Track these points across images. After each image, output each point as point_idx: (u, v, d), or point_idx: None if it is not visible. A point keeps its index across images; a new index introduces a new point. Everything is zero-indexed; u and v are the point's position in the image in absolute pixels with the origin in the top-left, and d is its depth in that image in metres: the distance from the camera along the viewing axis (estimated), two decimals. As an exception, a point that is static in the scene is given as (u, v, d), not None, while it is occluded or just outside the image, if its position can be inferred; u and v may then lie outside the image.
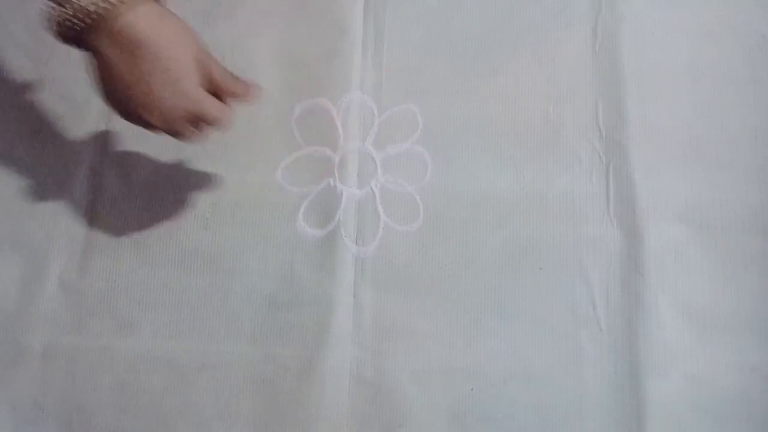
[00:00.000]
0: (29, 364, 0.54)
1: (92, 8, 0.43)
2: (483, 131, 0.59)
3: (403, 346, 0.55)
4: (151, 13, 0.44)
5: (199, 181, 0.58)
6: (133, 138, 0.59)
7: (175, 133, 0.48)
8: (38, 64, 0.60)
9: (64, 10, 0.43)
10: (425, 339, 0.55)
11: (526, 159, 0.58)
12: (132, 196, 0.58)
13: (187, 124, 0.47)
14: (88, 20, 0.43)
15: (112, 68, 0.45)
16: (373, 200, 0.58)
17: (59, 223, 0.57)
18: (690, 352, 0.54)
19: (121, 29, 0.44)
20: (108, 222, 0.57)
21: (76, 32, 0.44)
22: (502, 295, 0.55)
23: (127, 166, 0.58)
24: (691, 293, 0.55)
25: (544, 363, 0.54)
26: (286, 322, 0.55)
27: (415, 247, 0.56)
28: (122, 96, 0.46)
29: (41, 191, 0.57)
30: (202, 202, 0.57)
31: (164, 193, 0.58)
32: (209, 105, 0.47)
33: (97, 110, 0.59)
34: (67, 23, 0.43)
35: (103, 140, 0.59)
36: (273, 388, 0.54)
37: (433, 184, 0.58)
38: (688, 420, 0.53)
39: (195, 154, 0.58)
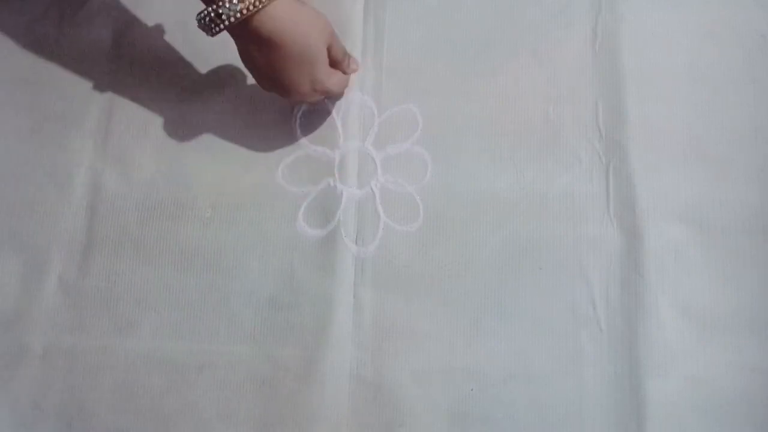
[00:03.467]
0: (29, 364, 0.54)
1: (239, 15, 0.47)
2: (483, 131, 0.59)
3: (403, 346, 0.55)
4: (282, 9, 0.48)
5: (199, 181, 0.58)
6: (133, 138, 0.59)
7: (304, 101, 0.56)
8: (38, 64, 0.60)
9: (215, 15, 0.48)
10: (425, 339, 0.55)
11: (526, 159, 0.58)
12: (132, 196, 0.57)
13: (316, 95, 0.54)
14: (233, 20, 0.48)
15: (254, 59, 0.51)
16: (373, 200, 0.58)
17: (59, 223, 0.57)
18: (690, 352, 0.54)
19: (258, 29, 0.48)
20: (108, 222, 0.57)
21: (222, 29, 0.49)
22: (502, 295, 0.55)
23: (127, 166, 0.58)
24: (691, 293, 0.55)
25: (544, 363, 0.54)
26: (286, 322, 0.55)
27: (415, 247, 0.56)
28: (263, 79, 0.53)
29: (41, 191, 0.57)
30: (202, 202, 0.57)
31: (164, 193, 0.58)
32: (335, 82, 0.54)
33: (97, 110, 0.59)
34: (216, 23, 0.48)
35: (103, 140, 0.59)
36: (273, 388, 0.54)
37: (433, 184, 0.58)
38: (688, 420, 0.53)
39: (195, 154, 0.58)
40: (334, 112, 0.59)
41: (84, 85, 0.60)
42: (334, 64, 0.54)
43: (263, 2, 0.47)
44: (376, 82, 0.60)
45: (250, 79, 0.60)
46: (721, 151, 0.58)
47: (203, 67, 0.60)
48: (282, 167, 0.58)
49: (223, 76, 0.60)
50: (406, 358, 0.54)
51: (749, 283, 0.55)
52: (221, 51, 0.60)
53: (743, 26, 0.60)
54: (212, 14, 0.48)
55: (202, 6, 0.49)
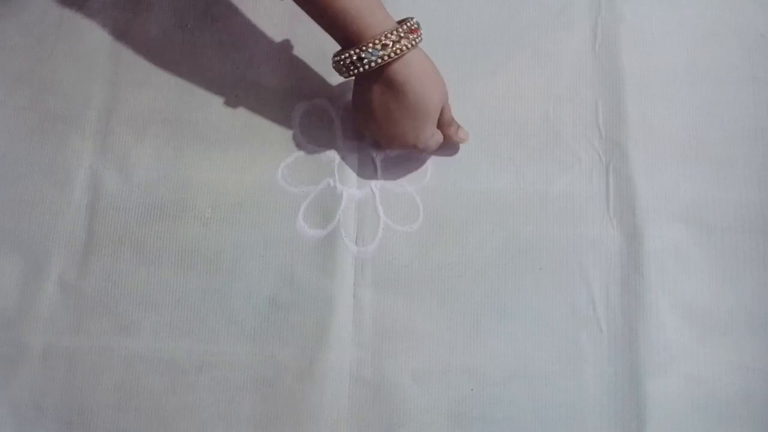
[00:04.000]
0: (29, 364, 0.54)
1: (380, 61, 0.49)
2: (483, 131, 0.59)
3: (403, 346, 0.55)
4: (416, 62, 0.51)
5: (199, 181, 0.58)
6: (133, 138, 0.59)
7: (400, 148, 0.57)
8: (38, 64, 0.60)
9: (357, 58, 0.49)
10: (425, 339, 0.55)
11: (526, 159, 0.58)
12: (132, 196, 0.57)
13: (410, 147, 0.55)
14: (374, 65, 0.49)
15: (372, 103, 0.52)
16: (372, 200, 0.58)
17: (59, 223, 0.57)
18: (690, 352, 0.54)
19: (390, 74, 0.50)
20: (108, 222, 0.57)
21: (360, 72, 0.50)
22: (502, 295, 0.55)
23: (127, 166, 0.58)
24: (691, 293, 0.55)
25: (544, 363, 0.54)
26: (286, 323, 0.55)
27: (415, 247, 0.56)
28: (371, 123, 0.54)
29: (41, 191, 0.57)
30: (202, 202, 0.57)
31: (164, 193, 0.58)
32: (435, 141, 0.55)
33: (97, 110, 0.59)
34: (356, 65, 0.50)
35: (103, 140, 0.59)
36: (273, 389, 0.54)
37: (433, 184, 0.58)
38: (688, 420, 0.53)
39: (195, 154, 0.58)
40: (333, 113, 0.59)
41: (84, 85, 0.60)
42: (441, 125, 0.55)
43: (403, 51, 0.49)
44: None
45: (251, 79, 0.60)
46: (721, 151, 0.58)
47: (203, 67, 0.60)
48: (282, 167, 0.58)
49: (223, 75, 0.60)
50: (406, 358, 0.54)
51: (749, 283, 0.55)
52: (221, 51, 0.60)
53: (743, 26, 0.60)
54: (354, 57, 0.49)
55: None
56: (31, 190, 0.57)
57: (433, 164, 0.58)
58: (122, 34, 0.61)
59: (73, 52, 0.61)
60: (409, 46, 0.50)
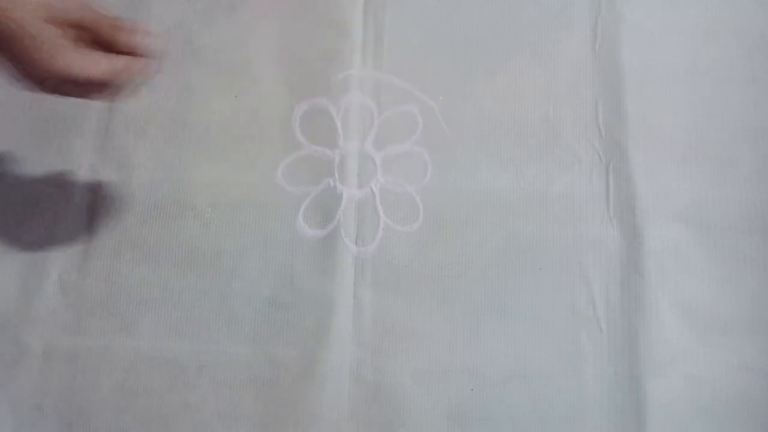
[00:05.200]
0: (29, 364, 0.54)
1: None
2: (483, 131, 0.59)
3: (403, 346, 0.55)
4: None
5: (199, 181, 0.58)
6: (133, 138, 0.59)
7: (78, 95, 0.42)
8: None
9: None
10: (425, 339, 0.55)
11: (526, 159, 0.58)
12: (132, 196, 0.57)
13: (74, 89, 0.41)
14: None
15: None
16: (372, 200, 0.58)
17: (59, 223, 0.57)
18: (690, 352, 0.54)
19: None
20: (108, 222, 0.57)
21: None
22: (502, 295, 0.55)
23: (127, 166, 0.58)
24: (691, 293, 0.55)
25: (544, 363, 0.54)
26: (286, 323, 0.55)
27: (415, 247, 0.56)
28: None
29: (41, 191, 0.57)
30: (202, 202, 0.57)
31: (164, 193, 0.57)
32: (83, 65, 0.40)
33: (97, 110, 0.59)
34: None
35: (103, 140, 0.59)
36: (273, 389, 0.54)
37: (433, 184, 0.58)
38: (688, 420, 0.53)
39: (195, 154, 0.58)
40: (334, 113, 0.59)
41: (84, 85, 0.60)
42: (102, 43, 0.41)
43: None
44: (376, 83, 0.60)
45: (251, 79, 0.60)
46: (721, 151, 0.58)
47: (203, 67, 0.60)
48: (282, 167, 0.58)
49: (223, 75, 0.60)
50: (406, 358, 0.54)
51: (749, 283, 0.55)
52: (221, 51, 0.60)
53: (743, 26, 0.60)
54: None
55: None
56: (31, 190, 0.58)
57: (433, 164, 0.58)
58: (122, 34, 0.61)
59: (73, 52, 0.60)
60: None
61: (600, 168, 0.58)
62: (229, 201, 0.57)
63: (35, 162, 0.58)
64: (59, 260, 0.56)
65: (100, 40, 0.41)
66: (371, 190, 0.58)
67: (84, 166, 0.58)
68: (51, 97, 0.59)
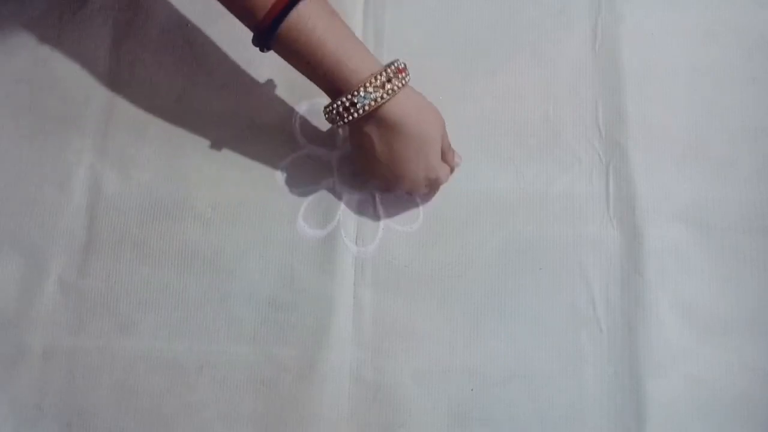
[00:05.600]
0: (29, 364, 0.54)
1: (373, 103, 0.48)
2: (483, 131, 0.59)
3: (403, 346, 0.55)
4: (407, 99, 0.50)
5: (199, 181, 0.58)
6: (133, 138, 0.59)
7: (413, 192, 0.56)
8: (38, 64, 0.60)
9: (349, 104, 0.48)
10: (425, 339, 0.55)
11: (526, 159, 0.58)
12: (132, 196, 0.57)
13: (423, 184, 0.54)
14: (368, 108, 0.48)
15: (374, 146, 0.51)
16: (372, 200, 0.58)
17: (59, 223, 0.57)
18: (690, 352, 0.54)
19: (386, 115, 0.49)
20: (108, 222, 0.57)
21: (355, 118, 0.49)
22: (502, 295, 0.55)
23: (127, 166, 0.58)
24: (691, 293, 0.55)
25: (544, 363, 0.54)
26: (286, 323, 0.55)
27: (415, 247, 0.56)
28: (377, 167, 0.52)
29: (41, 191, 0.57)
30: (202, 202, 0.57)
31: (164, 193, 0.58)
32: (444, 173, 0.54)
33: (97, 110, 0.59)
34: (350, 112, 0.49)
35: (103, 140, 0.59)
36: (273, 389, 0.54)
37: (433, 184, 0.58)
38: (688, 420, 0.53)
39: (195, 154, 0.58)
40: (334, 112, 0.59)
41: (84, 85, 0.60)
42: (441, 155, 0.54)
43: (394, 92, 0.48)
44: (376, 82, 0.60)
45: (251, 80, 0.60)
46: (721, 151, 0.58)
47: (203, 67, 0.60)
48: (282, 167, 0.58)
49: (223, 76, 0.60)
50: (406, 358, 0.54)
51: (749, 283, 0.55)
52: (221, 51, 0.60)
53: (743, 26, 0.60)
54: (347, 104, 0.48)
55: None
56: (31, 190, 0.58)
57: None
58: (122, 34, 0.61)
59: (73, 52, 0.61)
60: (399, 85, 0.49)
61: (600, 168, 0.58)
62: (229, 201, 0.57)
63: (35, 162, 0.58)
64: (59, 260, 0.56)
65: (441, 153, 0.54)
66: (371, 190, 0.58)
67: (84, 166, 0.58)
68: (51, 97, 0.60)
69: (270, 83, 0.60)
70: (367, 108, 0.48)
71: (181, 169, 0.58)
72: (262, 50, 0.49)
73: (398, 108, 0.49)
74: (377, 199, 0.58)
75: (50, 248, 0.56)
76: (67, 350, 0.54)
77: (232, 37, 0.61)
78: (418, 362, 0.54)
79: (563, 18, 0.61)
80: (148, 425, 0.53)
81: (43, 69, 0.60)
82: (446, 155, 0.54)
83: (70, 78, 0.60)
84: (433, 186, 0.55)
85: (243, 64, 0.60)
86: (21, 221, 0.57)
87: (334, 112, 0.49)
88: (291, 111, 0.59)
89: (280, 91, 0.60)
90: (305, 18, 0.47)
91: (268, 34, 0.48)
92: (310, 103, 0.59)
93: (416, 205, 0.57)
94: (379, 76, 0.48)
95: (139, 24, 0.61)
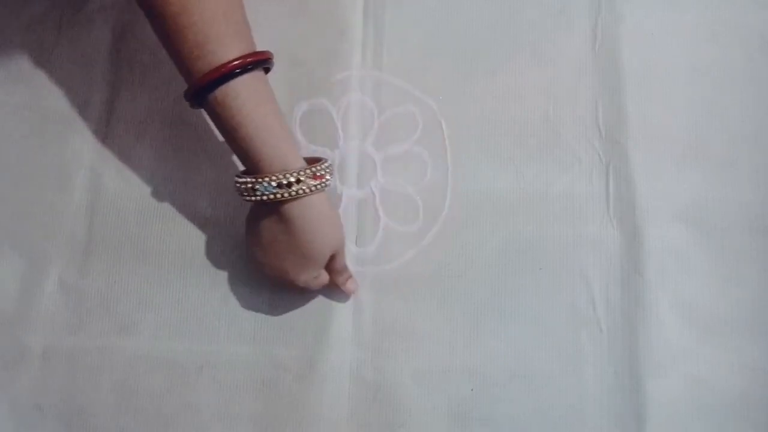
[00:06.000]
0: (29, 364, 0.54)
1: (272, 197, 0.47)
2: (483, 131, 0.59)
3: (403, 346, 0.55)
4: (313, 205, 0.49)
5: (199, 181, 0.58)
6: (133, 138, 0.59)
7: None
8: (38, 64, 0.60)
9: (253, 186, 0.48)
10: (425, 339, 0.55)
11: (526, 159, 0.58)
12: (132, 196, 0.57)
13: (295, 286, 0.52)
14: (265, 198, 0.48)
15: (262, 228, 0.50)
16: (372, 201, 0.58)
17: (59, 223, 0.57)
18: (690, 352, 0.54)
19: (285, 210, 0.48)
20: (108, 222, 0.57)
21: (255, 200, 0.48)
22: (502, 295, 0.55)
23: (127, 166, 0.58)
24: (691, 293, 0.55)
25: (544, 363, 0.54)
26: (286, 323, 0.55)
27: (415, 247, 0.56)
28: (257, 249, 0.51)
29: (41, 191, 0.57)
30: (202, 202, 0.57)
31: (164, 193, 0.58)
32: (314, 284, 0.52)
33: (98, 110, 0.59)
34: (250, 193, 0.48)
35: (102, 140, 0.59)
36: (273, 389, 0.54)
37: (433, 184, 0.58)
38: (688, 420, 0.53)
39: (195, 154, 0.58)
40: (334, 113, 0.59)
41: (84, 86, 0.60)
42: (330, 271, 0.53)
43: (299, 195, 0.47)
44: (376, 83, 0.60)
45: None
46: (721, 151, 0.58)
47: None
48: (282, 167, 0.58)
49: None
50: (406, 358, 0.54)
51: (749, 283, 0.55)
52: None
53: (743, 26, 0.60)
54: (249, 185, 0.48)
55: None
56: (31, 190, 0.58)
57: (433, 164, 0.58)
58: (122, 34, 0.61)
59: (73, 52, 0.61)
60: (307, 191, 0.47)
61: (600, 168, 0.58)
62: (229, 201, 0.57)
63: (35, 162, 0.58)
64: (59, 260, 0.56)
65: (331, 268, 0.53)
66: (371, 190, 0.58)
67: (84, 167, 0.58)
68: (51, 97, 0.60)
69: (270, 83, 0.60)
70: (264, 198, 0.47)
71: (181, 170, 0.58)
72: (194, 105, 0.49)
73: (297, 210, 0.48)
74: (377, 199, 0.58)
75: (50, 248, 0.56)
76: (67, 350, 0.54)
77: (232, 37, 0.61)
78: (418, 362, 0.54)
79: (563, 18, 0.61)
80: (148, 425, 0.53)
81: (43, 69, 0.60)
82: (336, 275, 0.53)
83: (70, 78, 0.60)
84: (303, 288, 0.53)
85: (243, 64, 0.60)
86: (21, 221, 0.57)
87: (239, 186, 0.48)
88: (291, 111, 0.59)
89: (280, 91, 0.59)
90: (234, 94, 0.46)
91: (197, 97, 0.47)
92: (310, 103, 0.60)
93: (416, 205, 0.57)
94: (288, 175, 0.47)
95: (139, 24, 0.61)
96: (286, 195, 0.47)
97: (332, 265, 0.52)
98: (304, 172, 0.47)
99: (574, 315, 0.55)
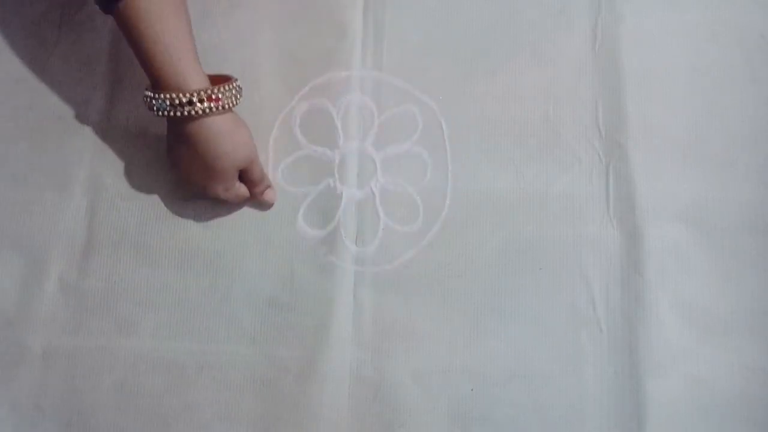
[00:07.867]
0: (29, 364, 0.54)
1: (167, 114, 0.49)
2: (483, 131, 0.59)
3: (403, 346, 0.55)
4: (211, 124, 0.50)
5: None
6: (133, 138, 0.59)
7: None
8: (38, 64, 0.60)
9: (151, 105, 0.50)
10: (425, 339, 0.55)
11: (526, 159, 0.58)
12: (132, 196, 0.57)
13: (217, 198, 0.55)
14: (161, 114, 0.50)
15: (171, 143, 0.53)
16: (372, 201, 0.58)
17: (59, 223, 0.57)
18: (690, 352, 0.54)
19: (182, 128, 0.51)
20: (108, 222, 0.57)
21: (157, 114, 0.50)
22: (502, 295, 0.55)
23: (127, 166, 0.58)
24: (691, 293, 0.55)
25: (544, 363, 0.54)
26: (286, 323, 0.55)
27: (415, 247, 0.56)
28: (173, 163, 0.55)
29: (41, 191, 0.57)
30: (202, 202, 0.57)
31: (164, 193, 0.58)
32: (228, 196, 0.54)
33: (97, 110, 0.59)
34: (150, 109, 0.50)
35: (102, 140, 0.59)
36: (273, 389, 0.54)
37: (433, 184, 0.58)
38: (688, 420, 0.53)
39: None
40: (334, 113, 0.59)
41: (84, 86, 0.60)
42: (249, 183, 0.55)
43: (191, 116, 0.49)
44: (376, 83, 0.60)
45: (250, 81, 0.60)
46: (721, 151, 0.58)
47: (203, 67, 0.60)
48: (282, 167, 0.58)
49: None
50: (406, 358, 0.54)
51: (749, 283, 0.55)
52: (220, 52, 0.60)
53: (743, 26, 0.60)
54: (148, 100, 0.50)
55: None
56: (31, 190, 0.58)
57: (433, 164, 0.58)
58: (122, 34, 0.61)
59: (73, 52, 0.61)
60: (200, 112, 0.49)
61: (600, 168, 0.58)
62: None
63: (35, 162, 0.58)
64: (59, 260, 0.56)
65: (248, 180, 0.55)
66: (371, 190, 0.58)
67: (84, 166, 0.58)
68: (51, 97, 0.60)
69: (270, 83, 0.60)
70: (161, 115, 0.49)
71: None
72: (103, 11, 0.49)
73: (194, 128, 0.50)
74: (377, 199, 0.58)
75: (50, 248, 0.56)
76: (67, 350, 0.54)
77: (232, 37, 0.61)
78: (418, 362, 0.54)
79: (563, 18, 0.61)
80: (148, 425, 0.53)
81: (43, 69, 0.60)
82: (253, 186, 0.55)
83: (70, 78, 0.60)
84: (223, 198, 0.55)
85: (243, 65, 0.60)
86: (21, 222, 0.57)
87: (144, 100, 0.50)
88: (291, 111, 0.59)
89: (280, 91, 0.60)
90: (135, 7, 0.48)
91: (104, 2, 0.48)
92: (310, 103, 0.60)
93: (416, 205, 0.57)
94: (181, 95, 0.48)
95: (139, 24, 0.61)
96: (179, 114, 0.49)
97: (247, 176, 0.54)
98: (198, 93, 0.49)
99: (574, 315, 0.55)
